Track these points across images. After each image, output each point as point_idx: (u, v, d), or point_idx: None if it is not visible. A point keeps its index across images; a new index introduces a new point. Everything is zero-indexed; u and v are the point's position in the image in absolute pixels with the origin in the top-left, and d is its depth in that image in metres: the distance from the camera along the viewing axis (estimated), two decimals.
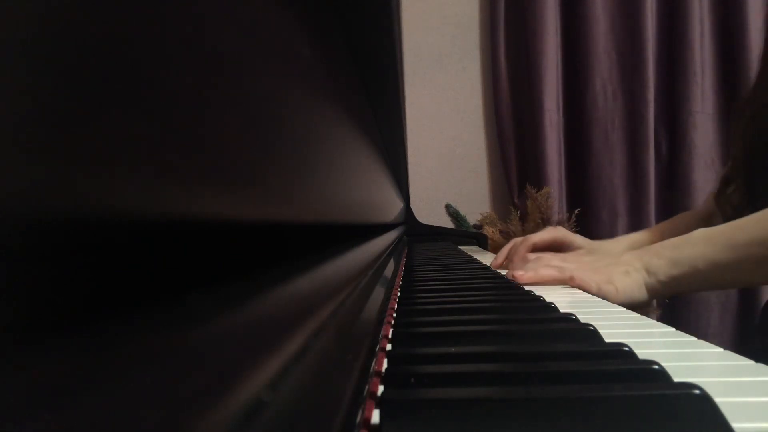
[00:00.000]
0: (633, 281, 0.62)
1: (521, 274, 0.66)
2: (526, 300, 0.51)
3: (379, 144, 0.58)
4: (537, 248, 0.92)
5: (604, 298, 0.59)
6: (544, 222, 1.55)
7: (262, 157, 0.18)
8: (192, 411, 0.09)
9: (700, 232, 0.61)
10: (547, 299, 0.48)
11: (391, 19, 0.34)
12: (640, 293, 0.62)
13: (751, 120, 0.78)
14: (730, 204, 0.82)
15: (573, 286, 0.63)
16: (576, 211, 1.59)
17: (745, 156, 0.78)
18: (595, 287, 0.61)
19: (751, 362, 0.29)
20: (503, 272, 0.74)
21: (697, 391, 0.21)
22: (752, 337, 0.86)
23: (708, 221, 0.90)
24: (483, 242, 1.53)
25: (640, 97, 1.69)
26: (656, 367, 0.25)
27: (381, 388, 0.24)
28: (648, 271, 0.62)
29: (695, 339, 0.36)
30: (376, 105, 0.48)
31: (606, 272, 0.63)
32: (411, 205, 1.56)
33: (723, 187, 0.85)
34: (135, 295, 0.13)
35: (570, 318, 0.39)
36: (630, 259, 0.64)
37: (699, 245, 0.60)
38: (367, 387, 0.22)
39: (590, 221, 1.68)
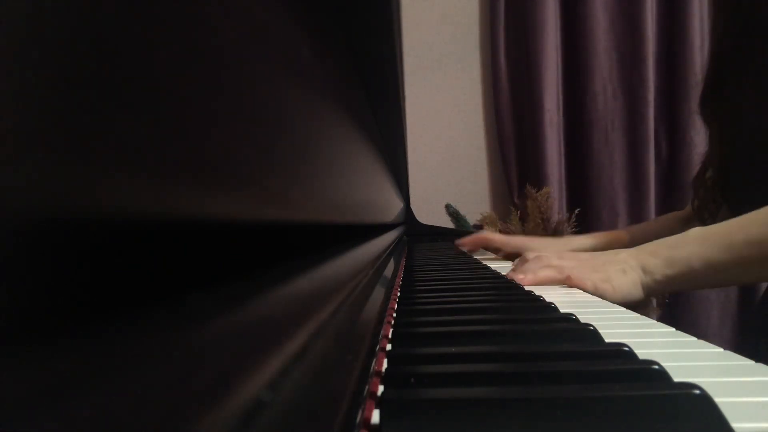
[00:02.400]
0: (629, 279, 0.62)
1: (521, 278, 0.67)
2: (526, 300, 0.51)
3: (379, 144, 0.58)
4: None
5: (600, 296, 0.59)
6: (544, 222, 1.56)
7: (262, 157, 0.18)
8: (192, 411, 0.09)
9: (696, 231, 0.62)
10: (547, 299, 0.48)
11: (391, 19, 0.34)
12: (636, 291, 0.62)
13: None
14: (708, 208, 0.84)
15: (570, 286, 0.63)
16: (576, 211, 1.59)
17: (722, 157, 0.79)
18: (591, 286, 0.61)
19: (751, 362, 0.29)
20: (503, 272, 0.74)
21: (697, 391, 0.21)
22: (752, 337, 0.86)
23: (687, 222, 0.93)
24: None
25: (640, 97, 1.69)
26: (656, 367, 0.25)
27: (381, 388, 0.24)
28: (644, 270, 0.62)
29: (695, 339, 0.36)
30: (376, 105, 0.48)
31: (603, 270, 0.63)
32: (411, 205, 1.56)
33: (702, 172, 0.86)
34: (135, 295, 0.13)
35: (570, 318, 0.39)
36: (626, 257, 0.64)
37: (694, 244, 0.60)
38: (367, 387, 0.22)
39: (590, 221, 1.68)
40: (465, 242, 1.11)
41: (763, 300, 0.84)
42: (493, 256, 1.09)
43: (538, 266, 0.69)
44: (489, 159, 1.84)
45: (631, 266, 0.63)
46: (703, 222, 0.85)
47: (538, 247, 0.95)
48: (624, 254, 0.64)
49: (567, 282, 0.63)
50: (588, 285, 0.61)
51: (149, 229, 0.12)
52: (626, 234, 1.00)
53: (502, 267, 0.85)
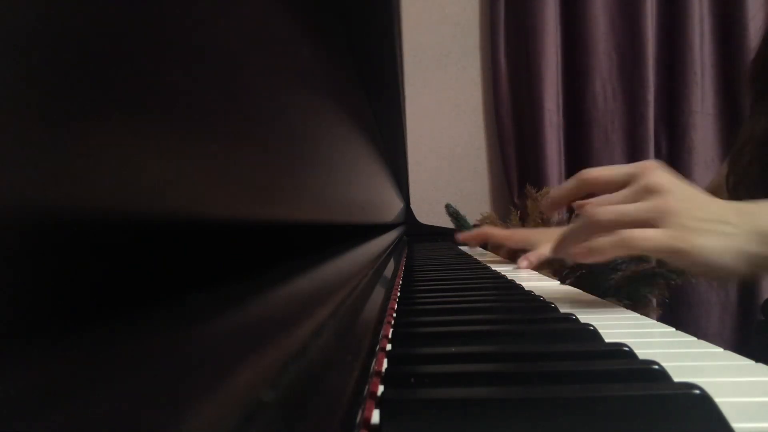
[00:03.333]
0: (722, 242, 0.45)
1: (577, 252, 0.49)
2: (526, 300, 0.51)
3: (379, 144, 0.58)
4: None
5: (670, 254, 0.45)
6: (544, 222, 1.55)
7: (262, 157, 0.18)
8: (192, 411, 0.09)
9: None
10: (548, 299, 0.48)
11: (392, 19, 0.34)
12: (729, 259, 0.45)
13: None
14: (744, 181, 0.74)
15: (631, 248, 0.46)
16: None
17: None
18: (657, 242, 0.44)
19: (751, 362, 0.29)
20: (503, 272, 0.74)
21: (697, 391, 0.21)
22: (752, 337, 0.85)
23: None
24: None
25: (640, 97, 1.69)
26: (656, 367, 0.25)
27: (381, 388, 0.24)
28: (761, 235, 0.45)
29: (695, 339, 0.36)
30: (376, 105, 0.48)
31: (686, 219, 0.45)
32: (411, 205, 1.56)
33: (734, 165, 0.77)
34: (135, 295, 0.13)
35: (570, 318, 0.39)
36: (729, 212, 0.47)
37: None
38: (367, 387, 0.22)
39: None
40: (466, 237, 1.08)
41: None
42: (493, 256, 1.08)
43: (587, 234, 0.49)
44: (489, 159, 1.84)
45: (733, 227, 0.45)
46: (735, 197, 0.75)
47: (543, 239, 0.89)
48: (727, 208, 0.47)
49: (629, 245, 0.46)
50: (653, 241, 0.44)
51: (149, 229, 0.12)
52: None
53: (505, 269, 0.85)
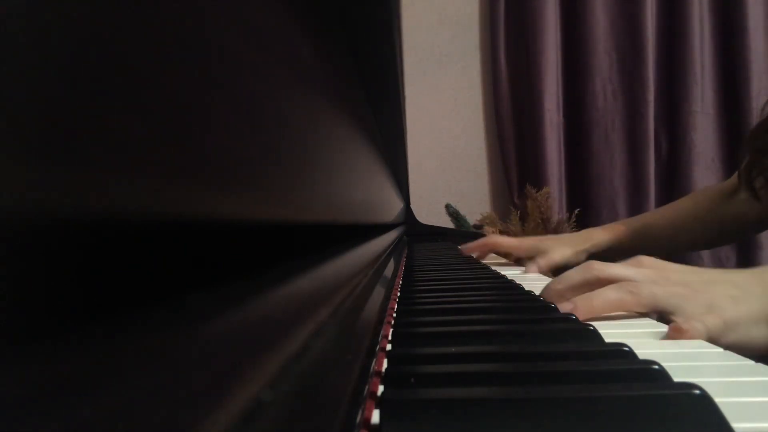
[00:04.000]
0: (747, 311, 0.39)
1: (573, 308, 0.41)
2: (526, 300, 0.51)
3: (379, 144, 0.58)
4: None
5: (699, 336, 0.36)
6: (544, 222, 1.56)
7: (262, 157, 0.18)
8: (192, 411, 0.09)
9: None
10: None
11: (391, 19, 0.34)
12: (758, 331, 0.39)
13: None
14: (759, 149, 0.70)
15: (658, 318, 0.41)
16: (576, 211, 1.59)
17: None
18: (693, 324, 0.36)
19: (751, 362, 0.29)
20: (504, 272, 0.74)
21: (697, 391, 0.21)
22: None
23: (732, 195, 0.81)
24: None
25: (640, 97, 1.69)
26: (656, 367, 0.25)
27: (381, 388, 0.24)
28: None
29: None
30: (376, 105, 0.48)
31: (704, 293, 0.40)
32: (411, 205, 1.56)
33: (760, 130, 0.72)
34: (135, 295, 0.13)
35: (570, 318, 0.39)
36: (746, 278, 0.41)
37: None
38: (367, 387, 0.22)
39: (590, 221, 1.67)
40: (472, 248, 1.00)
41: None
42: (494, 256, 1.08)
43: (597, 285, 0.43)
44: (489, 159, 1.84)
45: (751, 293, 0.40)
46: (754, 193, 0.71)
47: (552, 246, 0.85)
48: (742, 276, 0.42)
49: (648, 309, 0.40)
50: (692, 325, 0.36)
51: (149, 229, 0.12)
52: (651, 218, 0.89)
53: (511, 273, 0.85)
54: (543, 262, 0.83)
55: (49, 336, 0.09)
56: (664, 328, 0.40)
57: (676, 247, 0.47)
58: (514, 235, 1.51)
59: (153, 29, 0.09)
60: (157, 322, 0.12)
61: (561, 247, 0.86)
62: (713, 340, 0.36)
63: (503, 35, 1.75)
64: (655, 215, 0.95)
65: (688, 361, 0.31)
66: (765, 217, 0.78)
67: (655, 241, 0.86)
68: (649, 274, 0.42)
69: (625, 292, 0.40)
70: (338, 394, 0.18)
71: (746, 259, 1.70)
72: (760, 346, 0.39)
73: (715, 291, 0.40)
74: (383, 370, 0.27)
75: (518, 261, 0.97)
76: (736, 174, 0.80)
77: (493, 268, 0.82)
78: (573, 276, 0.46)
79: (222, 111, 0.13)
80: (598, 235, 0.87)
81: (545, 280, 0.70)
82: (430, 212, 1.67)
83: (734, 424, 0.20)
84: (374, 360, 0.26)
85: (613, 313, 0.42)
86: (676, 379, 0.24)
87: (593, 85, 1.71)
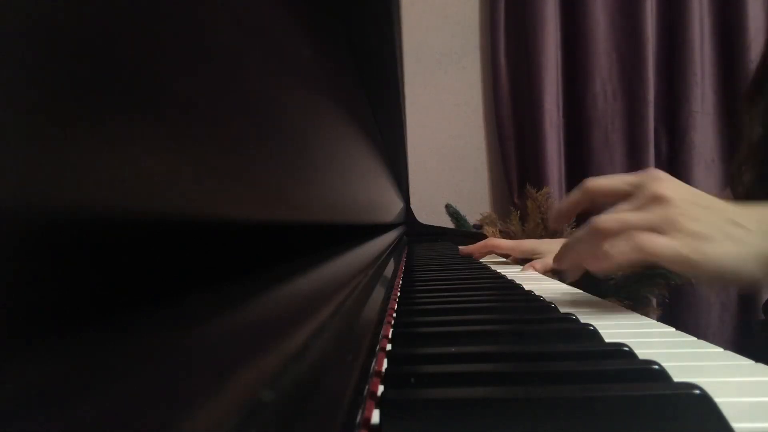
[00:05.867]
0: (736, 248, 0.42)
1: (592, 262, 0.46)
2: (526, 300, 0.51)
3: (379, 144, 0.58)
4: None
5: (680, 265, 0.42)
6: (544, 222, 1.55)
7: (262, 157, 0.18)
8: (192, 411, 0.09)
9: None
10: (548, 299, 0.48)
11: (392, 19, 0.34)
12: (744, 266, 0.42)
13: None
14: (743, 185, 0.75)
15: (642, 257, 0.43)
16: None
17: (765, 136, 0.73)
18: (663, 249, 0.42)
19: (751, 362, 0.29)
20: (503, 272, 0.74)
21: (698, 391, 0.21)
22: (752, 337, 0.85)
23: None
24: None
25: (640, 97, 1.69)
26: (656, 367, 0.25)
27: (381, 388, 0.24)
28: None
29: (695, 339, 0.36)
30: (376, 105, 0.48)
31: (698, 224, 0.43)
32: (411, 205, 1.56)
33: (737, 171, 0.78)
34: (135, 295, 0.13)
35: (570, 318, 0.39)
36: (747, 214, 0.44)
37: None
38: (367, 387, 0.22)
39: None
40: (471, 250, 1.05)
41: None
42: (494, 256, 1.08)
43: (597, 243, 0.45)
44: (489, 159, 1.84)
45: (746, 230, 0.43)
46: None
47: (549, 249, 0.89)
48: (737, 211, 0.44)
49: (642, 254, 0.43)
50: (664, 248, 0.42)
51: (149, 228, 0.12)
52: None
53: (509, 270, 0.85)
54: (539, 265, 0.85)
55: (49, 336, 0.09)
56: (665, 328, 0.40)
57: None
58: (515, 235, 1.51)
59: (152, 29, 0.09)
60: (157, 322, 0.12)
61: (557, 250, 0.88)
62: (691, 269, 0.41)
63: (503, 35, 1.75)
64: None
65: (688, 361, 0.31)
66: None
67: None
68: (649, 221, 0.44)
69: (632, 251, 0.43)
70: (338, 394, 0.18)
71: None
72: (747, 280, 0.42)
73: (710, 222, 0.43)
74: (383, 370, 0.27)
75: (517, 263, 0.98)
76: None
77: (493, 267, 0.82)
78: (578, 237, 0.49)
79: (222, 111, 0.13)
80: None
81: (546, 280, 0.70)
82: (430, 212, 1.67)
83: (734, 424, 0.20)
84: (374, 360, 0.26)
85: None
86: (676, 379, 0.24)
87: (593, 85, 1.71)
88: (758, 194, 0.74)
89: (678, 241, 0.42)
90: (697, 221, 0.43)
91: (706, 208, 0.44)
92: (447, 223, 1.66)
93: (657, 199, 0.45)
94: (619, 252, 0.44)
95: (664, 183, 0.46)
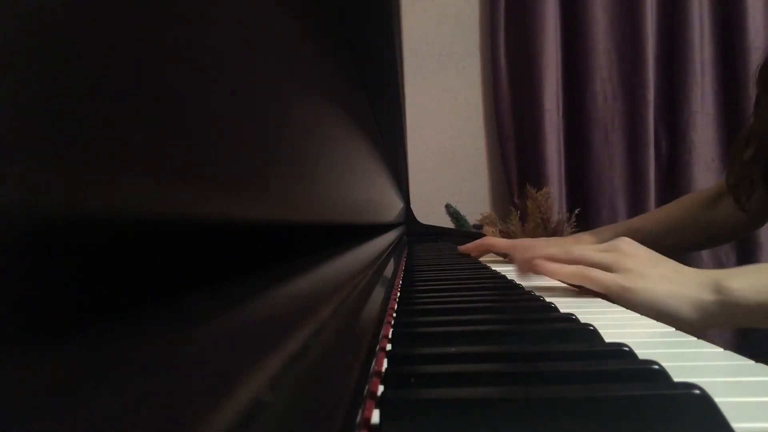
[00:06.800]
0: (674, 288, 0.49)
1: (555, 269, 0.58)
2: (526, 300, 0.51)
3: (379, 144, 0.58)
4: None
5: (616, 293, 0.51)
6: (544, 222, 1.55)
7: (262, 157, 0.18)
8: (192, 411, 0.09)
9: None
10: (547, 299, 0.48)
11: (391, 19, 0.34)
12: (680, 307, 0.49)
13: None
14: (741, 161, 0.78)
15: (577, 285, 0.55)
16: (576, 211, 1.59)
17: None
18: (602, 281, 0.52)
19: (751, 362, 0.29)
20: (503, 272, 0.74)
21: (698, 391, 0.21)
22: (752, 337, 0.85)
23: (716, 201, 0.88)
24: None
25: (640, 97, 1.69)
26: (656, 367, 0.25)
27: (381, 388, 0.24)
28: (717, 288, 0.48)
29: (695, 339, 0.36)
30: (376, 105, 0.48)
31: (645, 267, 0.52)
32: (411, 205, 1.56)
33: (739, 147, 0.80)
34: (135, 295, 0.13)
35: (570, 318, 0.39)
36: (694, 270, 0.52)
37: None
38: (367, 387, 0.22)
39: (590, 221, 1.67)
40: (468, 249, 1.06)
41: None
42: (494, 256, 1.08)
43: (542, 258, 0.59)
44: (489, 159, 1.84)
45: (691, 278, 0.50)
46: (739, 202, 0.79)
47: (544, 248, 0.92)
48: (686, 268, 0.53)
49: (581, 282, 0.54)
50: (604, 280, 0.52)
51: (149, 229, 0.12)
52: (639, 223, 0.95)
53: (506, 269, 0.85)
54: (516, 260, 0.86)
55: (49, 336, 0.09)
56: (665, 328, 0.40)
57: (663, 250, 0.55)
58: (515, 235, 1.51)
59: (153, 28, 0.09)
60: (157, 322, 0.12)
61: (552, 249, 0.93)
62: (626, 300, 0.49)
63: (503, 35, 1.75)
64: (642, 220, 1.00)
65: (688, 361, 0.31)
66: (753, 223, 0.87)
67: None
68: (605, 257, 0.55)
69: (576, 275, 0.55)
70: (338, 394, 0.18)
71: (746, 258, 1.70)
72: (683, 320, 0.48)
73: (656, 267, 0.52)
74: (383, 370, 0.27)
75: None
76: (724, 180, 0.85)
77: (493, 267, 0.82)
78: (556, 253, 0.60)
79: (222, 111, 0.13)
80: (587, 239, 0.94)
81: (546, 281, 0.70)
82: (430, 212, 1.67)
83: (734, 424, 0.20)
84: (374, 360, 0.26)
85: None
86: (677, 379, 0.24)
87: (593, 85, 1.71)
88: (761, 190, 0.75)
89: (620, 275, 0.52)
90: (642, 263, 0.52)
91: (655, 259, 0.54)
92: (447, 223, 1.66)
93: (616, 249, 0.55)
94: (566, 272, 0.56)
95: (627, 243, 0.56)
